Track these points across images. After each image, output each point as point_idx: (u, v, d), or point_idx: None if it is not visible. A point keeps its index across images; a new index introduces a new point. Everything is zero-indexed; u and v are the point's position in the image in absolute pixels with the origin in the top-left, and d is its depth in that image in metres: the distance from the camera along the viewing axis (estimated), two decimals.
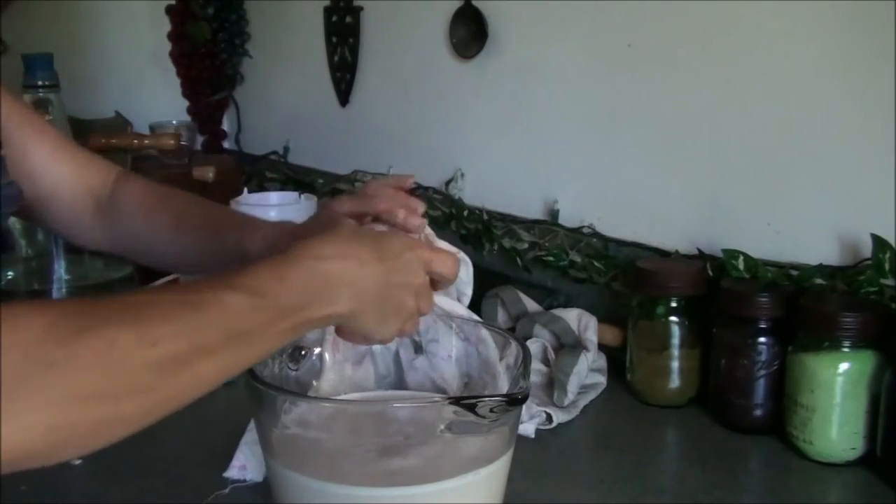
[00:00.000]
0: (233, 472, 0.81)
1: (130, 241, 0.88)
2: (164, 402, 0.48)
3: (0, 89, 0.77)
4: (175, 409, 0.48)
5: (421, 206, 0.76)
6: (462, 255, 0.82)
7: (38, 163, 0.83)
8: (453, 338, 0.77)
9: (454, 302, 0.81)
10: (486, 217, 1.29)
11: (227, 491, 0.79)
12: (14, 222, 1.09)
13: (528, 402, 0.82)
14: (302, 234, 0.67)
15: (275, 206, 1.33)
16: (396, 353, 0.79)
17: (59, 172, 0.85)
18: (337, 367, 0.78)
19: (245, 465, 0.81)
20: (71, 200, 0.86)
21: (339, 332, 0.63)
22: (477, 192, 1.35)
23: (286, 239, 0.73)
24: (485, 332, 0.76)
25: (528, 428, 0.89)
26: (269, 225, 0.80)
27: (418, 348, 0.79)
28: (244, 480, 0.80)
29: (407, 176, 0.82)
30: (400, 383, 0.79)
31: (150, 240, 0.86)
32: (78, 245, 0.97)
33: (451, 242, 0.80)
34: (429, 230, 0.79)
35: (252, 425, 0.80)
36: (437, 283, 0.66)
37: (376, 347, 0.79)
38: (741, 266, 0.95)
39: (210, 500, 0.78)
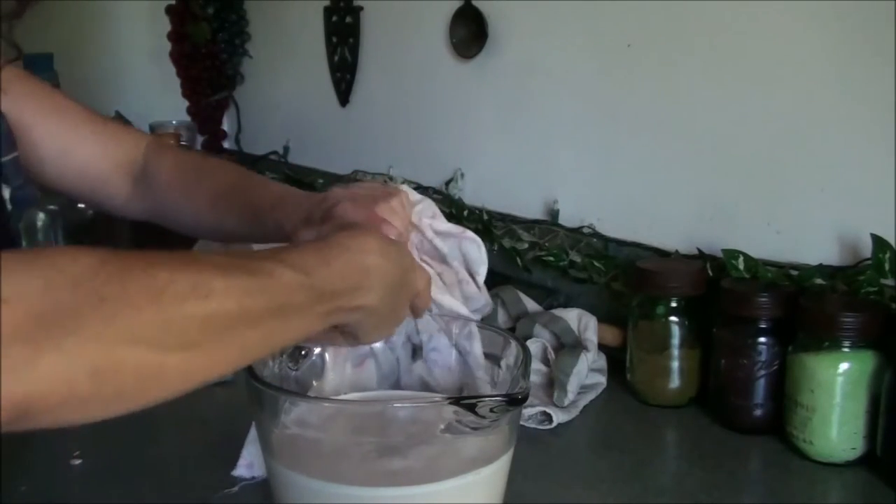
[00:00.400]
0: (240, 471, 0.81)
1: (169, 215, 0.89)
2: (206, 364, 0.47)
3: (16, 80, 0.77)
4: (212, 377, 0.47)
5: (393, 231, 0.74)
6: (472, 235, 0.83)
7: (61, 143, 0.84)
8: (453, 350, 0.78)
9: (456, 302, 0.81)
10: (486, 217, 1.29)
11: (235, 489, 0.79)
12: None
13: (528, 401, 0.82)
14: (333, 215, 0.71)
15: None
16: (385, 381, 0.80)
17: (83, 150, 0.85)
18: (337, 367, 0.78)
19: (252, 462, 0.81)
20: (101, 176, 0.87)
21: (335, 333, 0.63)
22: (477, 192, 1.35)
23: (319, 213, 0.74)
24: (476, 335, 0.76)
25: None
26: (303, 197, 0.80)
27: (417, 352, 0.79)
28: (252, 478, 0.80)
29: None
30: (400, 383, 0.79)
31: (187, 216, 0.87)
32: (123, 217, 0.96)
33: None
34: (416, 198, 0.79)
35: None
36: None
37: (377, 347, 0.79)
38: (741, 266, 0.95)
39: (218, 498, 0.78)
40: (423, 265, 0.81)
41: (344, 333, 0.63)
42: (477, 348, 0.76)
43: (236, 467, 0.81)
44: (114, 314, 0.42)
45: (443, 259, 0.83)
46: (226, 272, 0.48)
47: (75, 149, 0.85)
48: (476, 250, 0.83)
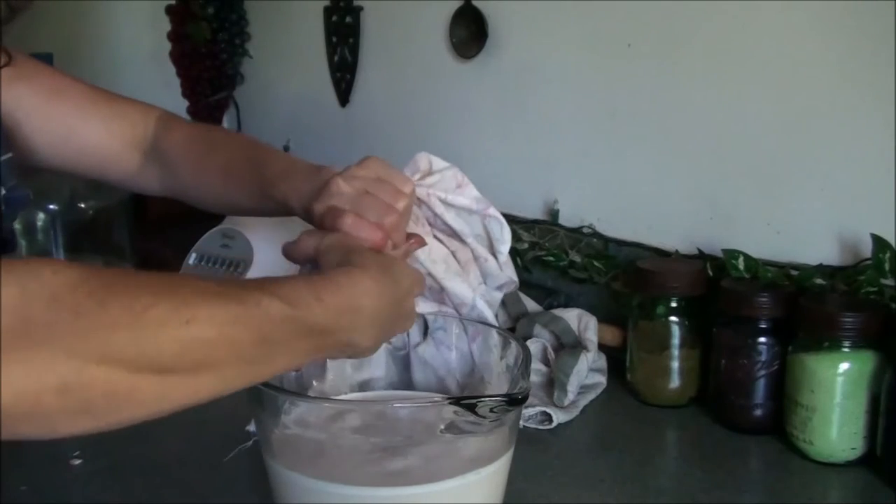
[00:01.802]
0: (254, 427, 0.80)
1: (179, 189, 0.88)
2: (180, 391, 0.46)
3: (16, 64, 0.76)
4: (183, 404, 0.46)
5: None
6: (495, 212, 0.81)
7: (66, 124, 0.83)
8: (462, 333, 0.77)
9: (465, 288, 0.81)
10: None
11: (249, 444, 0.80)
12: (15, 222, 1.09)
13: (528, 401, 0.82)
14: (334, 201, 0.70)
15: None
16: (387, 359, 0.79)
17: (89, 130, 0.85)
18: (337, 367, 0.78)
19: None
20: (109, 155, 0.86)
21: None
22: None
23: (324, 196, 0.72)
24: (491, 333, 0.76)
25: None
26: (307, 174, 0.78)
27: (425, 333, 0.78)
28: None
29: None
30: (401, 383, 0.79)
31: (198, 190, 0.86)
32: (138, 193, 0.95)
33: None
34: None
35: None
36: None
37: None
38: (741, 266, 0.95)
39: (232, 456, 0.78)
40: (435, 242, 0.80)
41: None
42: (489, 336, 0.75)
43: (251, 423, 0.81)
44: (88, 331, 0.41)
45: (456, 235, 0.82)
46: (211, 299, 0.46)
47: (81, 129, 0.84)
48: (498, 228, 0.82)
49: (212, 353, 0.46)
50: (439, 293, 0.81)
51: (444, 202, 0.80)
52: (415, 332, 0.79)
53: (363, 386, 0.79)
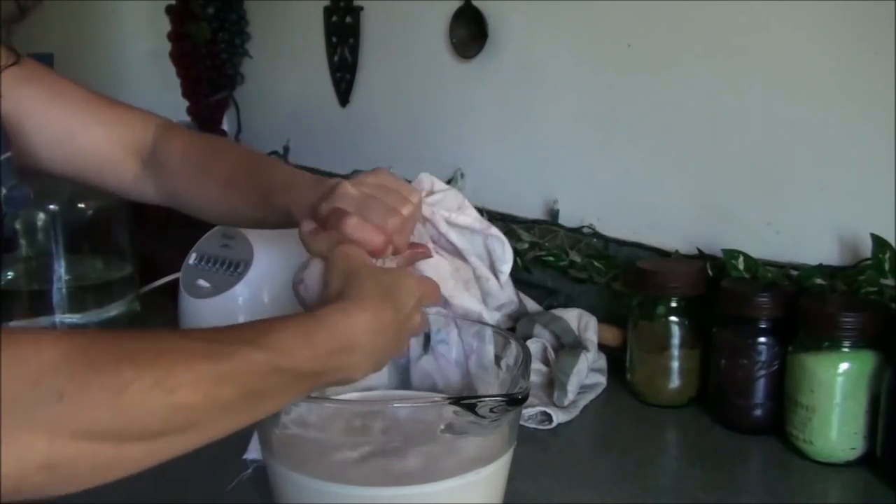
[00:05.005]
0: (252, 454, 0.80)
1: (179, 199, 0.87)
2: (168, 450, 0.47)
3: (17, 68, 0.76)
4: (172, 457, 0.47)
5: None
6: (497, 232, 0.82)
7: (65, 127, 0.83)
8: (462, 343, 0.77)
9: (473, 301, 0.81)
10: (485, 217, 1.29)
11: (249, 471, 0.79)
12: (15, 222, 1.09)
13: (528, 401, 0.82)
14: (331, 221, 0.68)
15: None
16: (388, 369, 0.79)
17: (88, 134, 0.84)
18: None
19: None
20: (107, 161, 0.85)
21: None
22: (477, 192, 1.34)
23: (330, 198, 0.70)
24: (489, 335, 0.76)
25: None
26: (311, 185, 0.77)
27: (427, 345, 0.78)
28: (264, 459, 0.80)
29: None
30: (401, 383, 0.79)
31: (198, 200, 0.86)
32: (135, 201, 0.94)
33: None
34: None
35: None
36: None
37: None
38: (741, 266, 0.95)
39: (232, 486, 0.78)
40: (440, 258, 0.80)
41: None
42: (487, 349, 0.75)
43: (248, 451, 0.81)
44: (71, 412, 0.41)
45: (458, 254, 0.82)
46: (195, 362, 0.46)
47: (80, 133, 0.84)
48: (500, 248, 0.82)
49: (198, 415, 0.46)
50: (446, 309, 0.81)
51: (448, 221, 0.80)
52: (415, 345, 0.78)
53: (363, 386, 0.79)
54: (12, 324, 1.13)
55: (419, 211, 0.75)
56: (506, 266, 0.83)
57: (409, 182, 0.78)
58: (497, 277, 0.83)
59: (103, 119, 0.86)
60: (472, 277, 0.82)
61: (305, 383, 0.54)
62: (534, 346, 1.03)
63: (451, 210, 0.81)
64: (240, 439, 0.79)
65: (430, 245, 0.80)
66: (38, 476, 0.40)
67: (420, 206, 0.75)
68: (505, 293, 0.84)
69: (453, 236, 0.80)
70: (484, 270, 0.82)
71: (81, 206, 1.28)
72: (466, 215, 0.81)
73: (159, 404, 0.44)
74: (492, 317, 0.84)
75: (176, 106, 1.96)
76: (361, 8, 1.54)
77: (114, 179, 0.88)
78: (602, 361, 1.05)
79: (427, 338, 0.78)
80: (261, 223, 0.84)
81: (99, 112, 0.86)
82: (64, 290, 1.24)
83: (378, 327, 0.58)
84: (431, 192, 0.82)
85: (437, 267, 0.79)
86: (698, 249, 1.03)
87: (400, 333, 0.62)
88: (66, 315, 1.19)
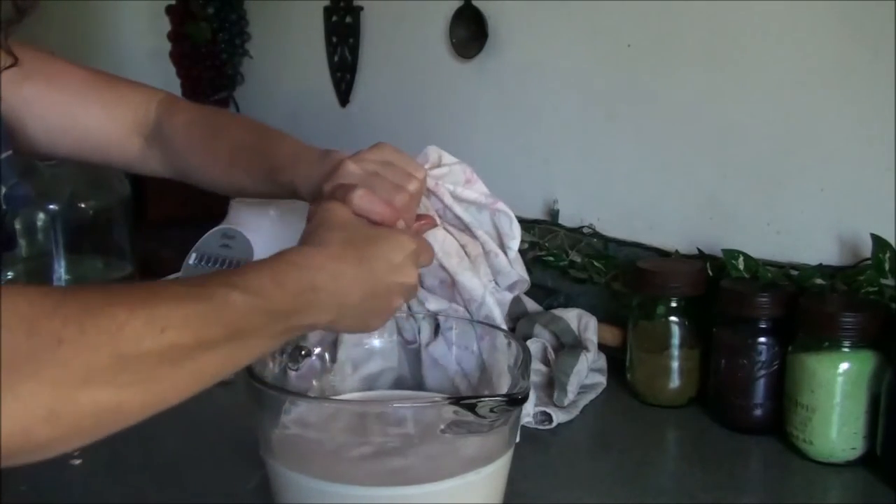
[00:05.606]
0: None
1: (185, 174, 0.88)
2: (164, 395, 0.47)
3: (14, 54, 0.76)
4: (171, 404, 0.48)
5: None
6: (504, 207, 0.81)
7: (66, 111, 0.83)
8: (471, 332, 0.77)
9: (477, 283, 0.80)
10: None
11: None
12: (15, 222, 1.09)
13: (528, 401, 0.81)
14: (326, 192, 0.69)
15: (273, 205, 1.33)
16: (399, 352, 0.79)
17: (90, 116, 0.84)
18: (338, 367, 0.78)
19: None
20: (110, 139, 0.85)
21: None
22: None
23: (333, 178, 0.71)
24: (499, 336, 0.76)
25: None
26: (316, 159, 0.78)
27: (437, 330, 0.78)
28: None
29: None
30: (412, 378, 0.79)
31: (203, 174, 0.86)
32: (143, 175, 0.94)
33: None
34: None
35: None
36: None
37: (377, 345, 0.79)
38: (741, 266, 0.95)
39: (249, 487, 0.77)
40: (446, 234, 0.79)
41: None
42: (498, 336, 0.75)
43: (251, 482, 0.80)
44: (71, 357, 0.41)
45: (466, 229, 0.81)
46: (182, 303, 0.48)
47: (81, 114, 0.84)
48: (507, 223, 0.81)
49: (189, 354, 0.47)
50: (450, 287, 0.80)
51: (453, 195, 0.79)
52: (426, 330, 0.78)
53: (372, 379, 0.79)
54: None
55: (424, 186, 0.75)
56: (514, 242, 0.81)
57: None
58: (506, 253, 0.82)
59: (104, 99, 0.86)
60: (480, 254, 0.81)
61: (280, 323, 0.55)
62: (534, 346, 1.03)
63: (457, 184, 0.80)
64: (243, 416, 0.78)
65: (437, 219, 0.79)
66: (43, 428, 0.40)
67: (425, 180, 0.75)
68: (515, 270, 0.83)
69: (459, 210, 0.79)
70: (492, 245, 0.80)
71: (81, 205, 1.28)
72: (473, 189, 0.80)
73: (152, 345, 0.45)
74: (502, 296, 0.83)
75: None
76: (361, 8, 1.54)
77: (118, 158, 0.88)
78: (602, 361, 1.05)
79: (437, 323, 0.78)
80: (267, 196, 0.85)
81: (100, 92, 0.86)
82: None
83: (338, 271, 0.59)
84: (438, 165, 0.81)
85: (442, 242, 0.78)
86: (698, 249, 1.03)
87: (381, 286, 0.62)
88: None
